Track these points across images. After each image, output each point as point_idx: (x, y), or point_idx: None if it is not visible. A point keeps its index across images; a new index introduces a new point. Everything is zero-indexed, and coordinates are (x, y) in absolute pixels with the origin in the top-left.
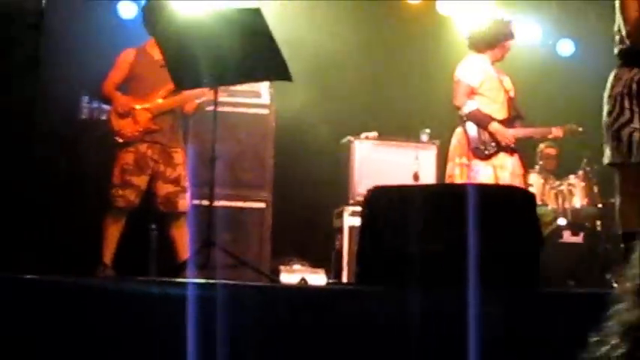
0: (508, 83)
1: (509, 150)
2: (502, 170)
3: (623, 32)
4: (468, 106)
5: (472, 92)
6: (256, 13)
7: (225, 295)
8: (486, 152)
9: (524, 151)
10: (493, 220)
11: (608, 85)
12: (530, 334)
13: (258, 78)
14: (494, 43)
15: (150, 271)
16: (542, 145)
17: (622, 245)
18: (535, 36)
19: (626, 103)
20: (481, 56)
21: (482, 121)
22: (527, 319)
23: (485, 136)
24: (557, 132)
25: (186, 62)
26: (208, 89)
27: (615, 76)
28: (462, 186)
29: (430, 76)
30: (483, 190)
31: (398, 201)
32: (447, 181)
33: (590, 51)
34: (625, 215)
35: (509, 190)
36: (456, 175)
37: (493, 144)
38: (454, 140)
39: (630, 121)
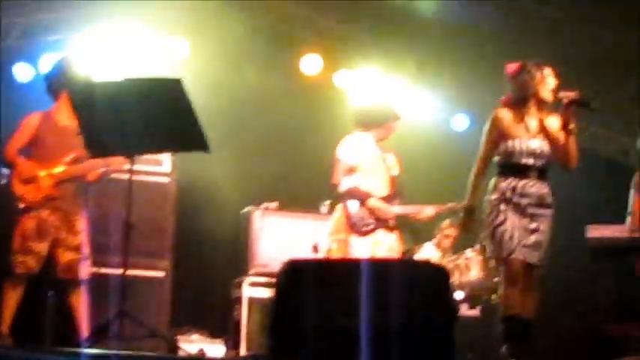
0: (392, 161)
1: (389, 227)
2: (379, 247)
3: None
4: (345, 184)
5: (351, 170)
6: (177, 83)
7: None
8: (364, 229)
9: (424, 225)
10: (408, 295)
11: (488, 190)
12: None
13: (176, 148)
14: (378, 122)
15: (47, 339)
16: (445, 222)
17: (502, 328)
18: (430, 111)
19: (501, 208)
20: (365, 134)
21: (360, 197)
22: None
23: (364, 213)
24: (429, 212)
25: (101, 128)
26: (119, 157)
27: (494, 184)
28: (380, 262)
29: (329, 148)
30: (397, 265)
31: (314, 275)
32: (326, 255)
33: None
34: (507, 300)
35: (423, 265)
36: (333, 249)
37: (371, 220)
38: (334, 216)
39: (503, 222)
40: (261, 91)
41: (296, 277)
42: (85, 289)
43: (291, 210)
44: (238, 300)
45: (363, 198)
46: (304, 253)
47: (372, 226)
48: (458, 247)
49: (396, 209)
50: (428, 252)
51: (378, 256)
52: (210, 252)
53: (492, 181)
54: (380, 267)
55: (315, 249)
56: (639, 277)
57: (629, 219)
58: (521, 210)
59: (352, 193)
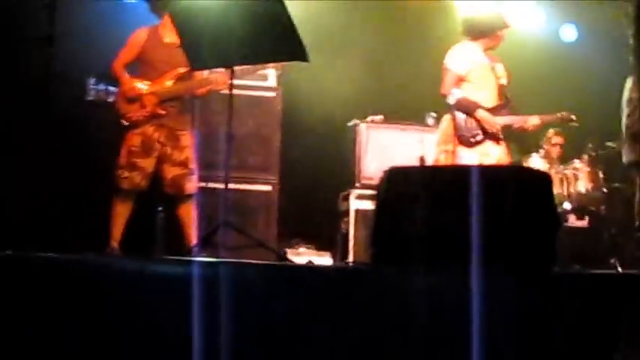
0: (500, 70)
1: (496, 138)
2: (487, 158)
3: None
4: (454, 95)
5: (460, 80)
6: None
7: (250, 273)
8: (472, 140)
9: (529, 136)
10: (511, 201)
11: (627, 88)
12: (545, 314)
13: (276, 59)
14: (486, 31)
15: (157, 253)
16: (550, 131)
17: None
18: (538, 21)
19: None
20: (473, 44)
21: (468, 108)
22: (542, 299)
23: (472, 124)
24: (535, 121)
25: (203, 42)
26: (220, 73)
27: (635, 81)
28: (480, 167)
29: (434, 60)
30: (500, 171)
31: (416, 182)
32: None
33: (593, 37)
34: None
35: (526, 171)
36: (441, 160)
37: (479, 131)
38: (441, 127)
39: None
40: (364, 4)
41: (397, 184)
42: (194, 204)
43: (397, 122)
44: (346, 213)
45: (472, 109)
46: (410, 165)
47: (480, 137)
48: (566, 158)
49: (503, 120)
50: (535, 163)
51: None
52: (317, 165)
53: (631, 78)
54: (482, 173)
55: (422, 161)
56: None
57: None
58: None
59: (461, 104)
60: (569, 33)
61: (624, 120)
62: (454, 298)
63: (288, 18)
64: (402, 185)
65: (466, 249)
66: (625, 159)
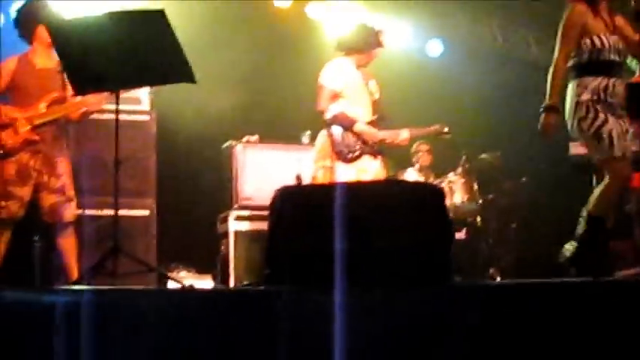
0: (373, 86)
1: (373, 153)
2: (364, 173)
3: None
4: (332, 110)
5: (335, 96)
6: (160, 14)
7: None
8: (350, 155)
9: (402, 151)
10: (405, 216)
11: (573, 92)
12: (443, 325)
13: (163, 81)
14: (360, 48)
15: (36, 282)
16: (416, 144)
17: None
18: (405, 37)
19: (598, 109)
20: (346, 59)
21: (346, 123)
22: (440, 311)
23: (350, 140)
24: (405, 135)
25: (85, 65)
26: (94, 95)
27: (579, 85)
28: (374, 184)
29: (306, 79)
30: (393, 187)
31: (309, 201)
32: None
33: (458, 51)
34: (602, 202)
35: (418, 186)
36: (319, 177)
37: (357, 147)
38: (318, 143)
39: (606, 121)
40: (236, 24)
41: (290, 204)
42: (72, 231)
43: (273, 142)
44: (225, 234)
45: (350, 123)
46: (287, 184)
47: (357, 152)
48: (440, 171)
49: (381, 134)
50: (411, 177)
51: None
52: (195, 188)
53: (575, 82)
54: (375, 189)
55: (299, 179)
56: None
57: None
58: (613, 110)
59: (339, 119)
60: (435, 48)
61: (575, 124)
62: (351, 316)
63: (174, 39)
64: (296, 205)
65: (364, 266)
66: (594, 160)
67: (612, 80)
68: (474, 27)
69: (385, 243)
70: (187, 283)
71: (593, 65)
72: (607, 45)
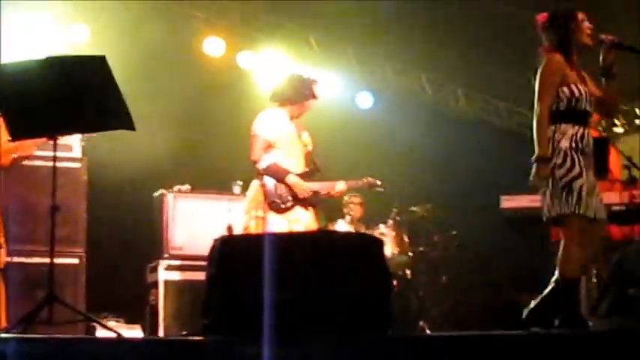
0: (306, 138)
1: (305, 204)
2: (297, 224)
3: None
4: (265, 161)
5: (269, 146)
6: (101, 60)
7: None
8: (282, 206)
9: (333, 203)
10: (347, 266)
11: (551, 139)
12: None
13: (102, 127)
14: (294, 99)
15: None
16: (346, 196)
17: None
18: (335, 89)
19: (576, 157)
20: (280, 110)
21: (279, 174)
22: None
23: (282, 190)
24: (341, 187)
25: (24, 110)
26: (32, 142)
27: (557, 131)
28: (312, 233)
29: (238, 128)
30: (329, 236)
31: (249, 251)
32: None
33: (388, 103)
34: (572, 262)
35: (358, 236)
36: (251, 227)
37: (290, 197)
38: (250, 193)
39: (580, 175)
40: (169, 72)
41: (230, 253)
42: (2, 279)
43: (204, 191)
44: (154, 284)
45: (282, 174)
46: (219, 234)
47: (290, 204)
48: (370, 223)
49: (313, 186)
50: (342, 228)
51: None
52: (125, 237)
53: (552, 128)
54: (316, 239)
55: (230, 230)
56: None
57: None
58: (588, 160)
59: (272, 170)
60: (366, 100)
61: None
62: None
63: (114, 85)
64: (236, 254)
65: (300, 317)
66: (553, 213)
67: (586, 130)
68: (402, 79)
69: (325, 293)
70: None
71: (570, 113)
72: (583, 95)
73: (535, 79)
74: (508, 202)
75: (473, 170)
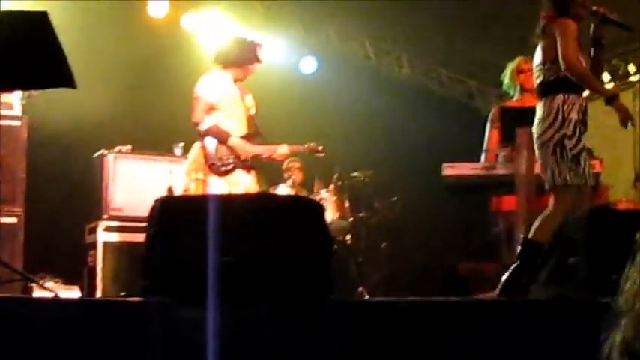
0: (249, 101)
1: (247, 167)
2: (237, 187)
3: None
4: (206, 123)
5: (211, 108)
6: (42, 16)
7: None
8: (223, 169)
9: (274, 167)
10: (285, 230)
11: (559, 107)
12: (322, 341)
13: (43, 84)
14: (237, 62)
15: None
16: (287, 161)
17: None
18: (279, 53)
19: (582, 130)
20: (223, 72)
21: (220, 136)
22: (317, 326)
23: (223, 153)
24: (284, 150)
25: None
26: None
27: (566, 101)
28: (253, 196)
29: (181, 90)
30: (272, 200)
31: (189, 213)
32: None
33: (332, 68)
34: (547, 227)
35: (297, 199)
36: (191, 189)
37: (230, 160)
38: (191, 156)
39: (584, 148)
40: (112, 33)
41: (170, 215)
42: None
43: (145, 153)
44: (93, 245)
45: (224, 137)
46: (159, 196)
47: (231, 166)
48: (311, 188)
49: (255, 149)
50: (283, 193)
51: None
52: (64, 197)
53: (561, 97)
54: (255, 202)
55: (170, 191)
56: (493, 214)
57: (483, 156)
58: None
59: (213, 132)
60: (309, 65)
61: (556, 138)
62: (225, 330)
63: (56, 42)
64: (176, 216)
65: (244, 280)
66: (561, 180)
67: (585, 102)
68: (346, 44)
69: (264, 256)
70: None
71: (576, 83)
72: (585, 65)
73: (542, 40)
74: (450, 169)
75: (416, 137)
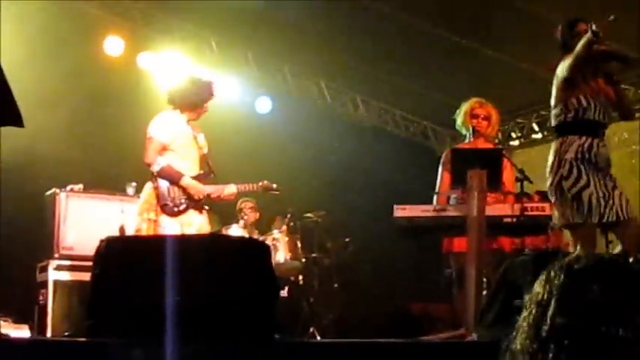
0: (202, 140)
1: (199, 207)
2: (189, 227)
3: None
4: (159, 163)
5: (164, 148)
6: None
7: None
8: (175, 209)
9: (227, 207)
10: (230, 271)
11: (557, 150)
12: None
13: None
14: (193, 104)
15: None
16: (240, 200)
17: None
18: (234, 93)
19: (582, 168)
20: (177, 113)
21: (173, 176)
22: None
23: (175, 193)
24: (232, 190)
25: None
26: None
27: (564, 142)
28: (203, 237)
29: (134, 129)
30: (220, 241)
31: (135, 252)
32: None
33: (287, 108)
34: None
35: (244, 241)
36: (143, 229)
37: (183, 200)
38: (143, 195)
39: (587, 185)
40: (64, 71)
41: (115, 254)
42: None
43: (97, 192)
44: (44, 284)
45: (176, 177)
46: (111, 235)
47: (183, 207)
48: (265, 228)
49: (207, 188)
50: (235, 233)
51: None
52: (15, 235)
53: (559, 140)
54: (202, 242)
55: (122, 231)
56: (444, 255)
57: (435, 198)
58: (598, 170)
59: (166, 172)
60: (264, 105)
61: (555, 182)
62: None
63: (3, 79)
64: (122, 255)
65: (189, 320)
66: (561, 221)
67: (596, 140)
68: (302, 84)
69: (210, 297)
70: (3, 332)
71: (578, 124)
72: (591, 105)
73: (556, 80)
74: (401, 211)
75: (370, 178)
